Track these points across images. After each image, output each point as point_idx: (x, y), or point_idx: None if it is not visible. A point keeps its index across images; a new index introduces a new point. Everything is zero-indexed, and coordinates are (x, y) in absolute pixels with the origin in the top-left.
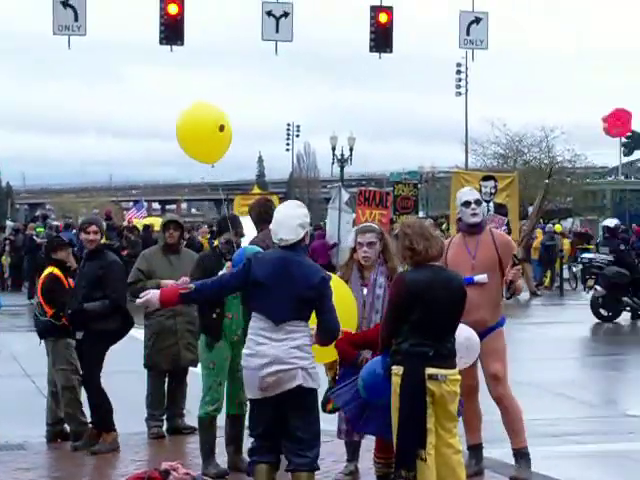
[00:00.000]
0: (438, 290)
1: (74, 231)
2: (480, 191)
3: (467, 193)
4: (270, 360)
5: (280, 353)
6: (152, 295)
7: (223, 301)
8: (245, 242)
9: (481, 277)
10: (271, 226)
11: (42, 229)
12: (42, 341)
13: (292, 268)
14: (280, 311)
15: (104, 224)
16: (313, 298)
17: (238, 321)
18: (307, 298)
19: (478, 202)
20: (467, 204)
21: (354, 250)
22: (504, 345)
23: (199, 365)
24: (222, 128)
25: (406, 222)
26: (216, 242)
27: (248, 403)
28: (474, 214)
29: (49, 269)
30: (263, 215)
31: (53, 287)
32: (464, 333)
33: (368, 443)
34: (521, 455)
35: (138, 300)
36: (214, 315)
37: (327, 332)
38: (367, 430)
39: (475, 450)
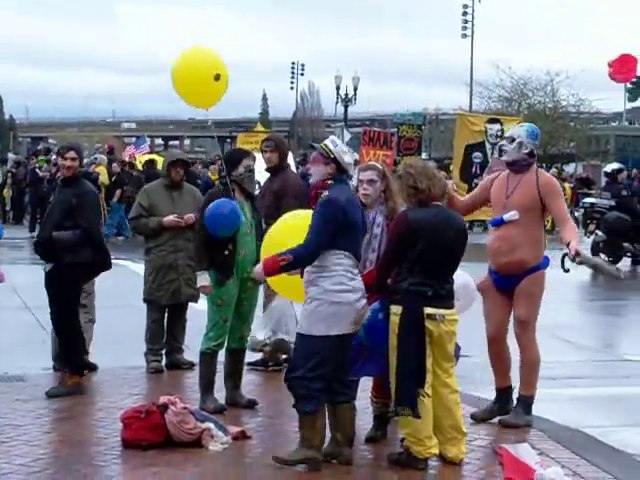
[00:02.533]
0: (439, 228)
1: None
2: (485, 133)
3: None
4: (361, 294)
5: (363, 286)
6: (257, 273)
7: (235, 238)
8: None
9: (509, 215)
10: (352, 159)
11: (43, 161)
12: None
13: (356, 203)
14: (359, 249)
15: (84, 151)
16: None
17: (251, 258)
18: (363, 232)
19: (509, 139)
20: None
21: (357, 189)
22: (540, 290)
23: (199, 301)
24: (218, 77)
25: (409, 162)
26: (214, 176)
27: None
28: (501, 151)
29: None
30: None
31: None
32: (461, 279)
33: (364, 382)
34: (523, 403)
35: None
36: (226, 252)
37: None
38: (365, 372)
39: (501, 393)
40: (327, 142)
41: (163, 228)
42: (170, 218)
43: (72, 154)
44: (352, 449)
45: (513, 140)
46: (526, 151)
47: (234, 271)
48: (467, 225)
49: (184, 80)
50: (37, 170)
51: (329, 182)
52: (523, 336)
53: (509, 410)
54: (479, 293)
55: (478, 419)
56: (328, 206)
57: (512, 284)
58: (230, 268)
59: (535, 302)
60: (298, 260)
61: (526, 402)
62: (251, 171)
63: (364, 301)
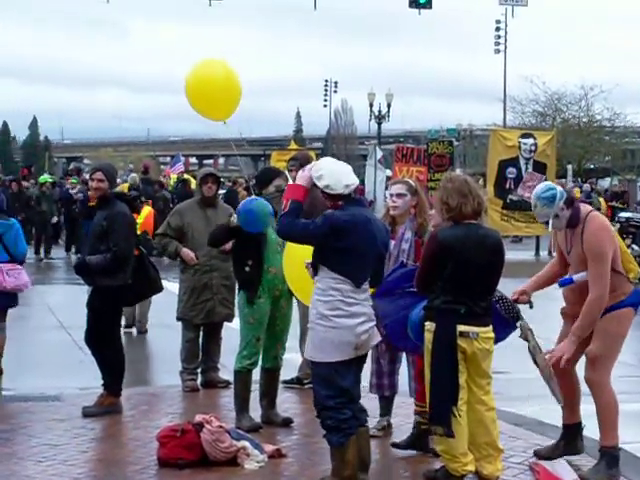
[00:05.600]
0: (471, 247)
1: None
2: (519, 148)
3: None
4: (364, 319)
5: (368, 311)
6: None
7: (261, 255)
8: None
9: (579, 276)
10: (330, 180)
11: (76, 182)
12: None
13: (373, 227)
14: (363, 274)
15: (115, 172)
16: (384, 255)
17: (280, 275)
18: (382, 255)
19: (545, 218)
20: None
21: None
22: (618, 327)
23: (234, 320)
24: None
25: (450, 176)
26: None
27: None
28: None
29: None
30: None
31: None
32: None
33: (400, 399)
34: (605, 455)
35: None
36: (247, 268)
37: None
38: (405, 346)
39: (568, 429)
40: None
41: (179, 255)
42: (187, 253)
43: (99, 175)
44: (368, 474)
45: (547, 221)
46: (563, 213)
47: (263, 289)
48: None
49: (199, 93)
50: (70, 191)
51: (339, 203)
52: (590, 376)
53: (578, 449)
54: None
55: (541, 456)
56: (322, 219)
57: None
58: (254, 285)
59: (608, 340)
60: (283, 219)
61: (609, 454)
62: (281, 191)
63: (367, 326)
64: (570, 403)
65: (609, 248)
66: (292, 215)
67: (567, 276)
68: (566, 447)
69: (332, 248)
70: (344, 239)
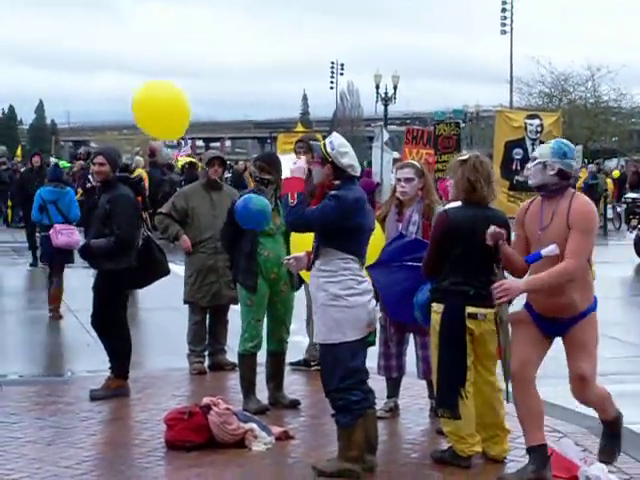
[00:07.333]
0: (479, 228)
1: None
2: (525, 129)
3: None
4: (371, 296)
5: (371, 288)
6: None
7: (256, 240)
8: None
9: (548, 249)
10: (353, 161)
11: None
12: None
13: (367, 204)
14: (364, 251)
15: (117, 155)
16: (372, 232)
17: (274, 258)
18: (371, 232)
19: (532, 159)
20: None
21: (394, 187)
22: (595, 336)
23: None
24: None
25: (482, 160)
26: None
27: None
28: (528, 173)
29: None
30: None
31: None
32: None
33: (407, 380)
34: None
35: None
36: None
37: None
38: (402, 318)
39: (534, 452)
40: (326, 142)
41: (177, 239)
42: (185, 240)
43: (100, 159)
44: (375, 456)
45: (535, 160)
46: (552, 172)
47: (259, 271)
48: None
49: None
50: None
51: (335, 182)
52: (589, 396)
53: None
54: (510, 324)
55: None
56: (335, 201)
57: (556, 330)
58: (251, 272)
59: (593, 352)
60: (296, 212)
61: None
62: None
63: (374, 302)
64: (536, 423)
65: (595, 227)
66: (302, 207)
67: (534, 252)
68: (536, 473)
69: (341, 228)
70: (352, 218)
